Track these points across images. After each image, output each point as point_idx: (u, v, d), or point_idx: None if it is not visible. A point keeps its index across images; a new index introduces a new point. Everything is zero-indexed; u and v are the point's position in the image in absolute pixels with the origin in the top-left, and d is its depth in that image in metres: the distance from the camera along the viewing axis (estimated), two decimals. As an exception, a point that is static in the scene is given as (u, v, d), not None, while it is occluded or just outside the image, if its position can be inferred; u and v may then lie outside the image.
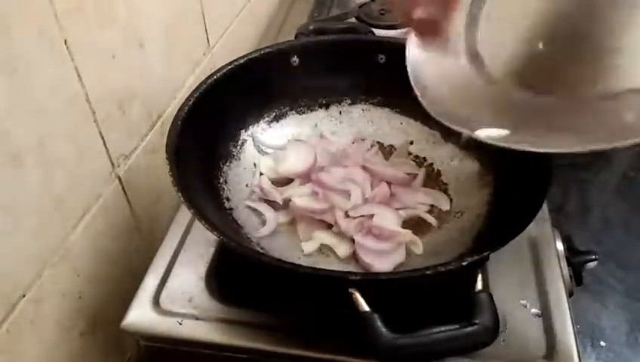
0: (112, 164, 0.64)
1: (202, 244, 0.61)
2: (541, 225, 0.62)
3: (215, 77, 0.63)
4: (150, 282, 0.57)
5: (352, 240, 0.58)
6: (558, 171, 0.52)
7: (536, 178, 0.52)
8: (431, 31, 0.46)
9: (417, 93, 0.47)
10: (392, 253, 0.57)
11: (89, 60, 0.57)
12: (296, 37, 0.83)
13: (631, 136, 0.36)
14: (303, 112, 0.74)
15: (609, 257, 1.34)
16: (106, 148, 0.62)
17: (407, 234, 0.59)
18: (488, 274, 0.56)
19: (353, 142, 0.71)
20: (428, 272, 0.44)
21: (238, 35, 0.99)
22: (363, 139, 0.72)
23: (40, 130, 0.51)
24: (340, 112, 0.75)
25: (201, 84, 0.62)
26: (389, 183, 0.64)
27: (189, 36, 0.80)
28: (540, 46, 0.45)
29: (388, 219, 0.59)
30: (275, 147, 0.69)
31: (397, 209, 0.62)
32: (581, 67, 0.43)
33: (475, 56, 0.47)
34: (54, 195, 0.54)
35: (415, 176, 0.66)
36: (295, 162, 0.65)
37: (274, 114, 0.72)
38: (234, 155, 0.68)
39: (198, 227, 0.59)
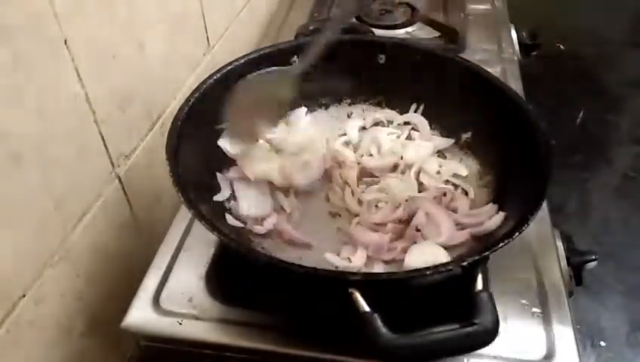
0: (112, 164, 0.64)
1: (202, 244, 0.61)
2: (541, 225, 0.62)
3: (215, 77, 0.63)
4: (150, 282, 0.57)
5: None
6: (558, 171, 0.52)
7: (536, 178, 0.52)
8: None
9: None
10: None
11: (89, 60, 0.57)
12: (296, 37, 0.83)
13: None
14: (303, 112, 0.74)
15: (609, 257, 1.35)
16: (106, 148, 0.62)
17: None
18: (489, 274, 0.56)
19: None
20: (428, 272, 0.44)
21: (238, 35, 0.99)
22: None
23: (40, 130, 0.51)
24: (341, 113, 0.75)
25: (201, 85, 0.62)
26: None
27: (189, 36, 0.80)
28: None
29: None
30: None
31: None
32: None
33: None
34: (54, 195, 0.54)
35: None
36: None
37: (274, 114, 0.72)
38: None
39: (199, 227, 0.59)
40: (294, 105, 0.73)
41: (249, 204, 0.62)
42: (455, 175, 0.66)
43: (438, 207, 0.61)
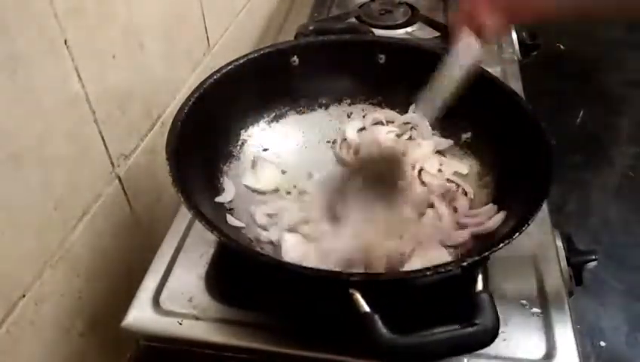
0: (112, 164, 0.64)
1: (202, 244, 0.61)
2: (541, 225, 0.62)
3: (215, 77, 0.63)
4: (150, 282, 0.57)
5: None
6: (558, 172, 0.52)
7: (537, 178, 0.52)
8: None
9: None
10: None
11: (89, 60, 0.57)
12: (296, 37, 0.83)
13: None
14: (303, 112, 0.74)
15: (609, 257, 1.34)
16: (106, 148, 0.62)
17: None
18: (489, 274, 0.56)
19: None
20: (428, 273, 0.44)
21: (238, 35, 0.99)
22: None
23: (40, 130, 0.51)
24: (340, 112, 0.75)
25: (201, 84, 0.62)
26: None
27: (189, 36, 0.80)
28: None
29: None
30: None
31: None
32: None
33: None
34: (54, 195, 0.54)
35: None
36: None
37: (274, 114, 0.72)
38: (234, 155, 0.68)
39: (198, 227, 0.59)
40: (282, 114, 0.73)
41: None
42: (456, 173, 0.66)
43: (442, 203, 0.61)
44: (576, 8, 0.40)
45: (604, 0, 0.40)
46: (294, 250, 0.56)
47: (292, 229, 0.59)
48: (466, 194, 0.64)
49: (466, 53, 0.49)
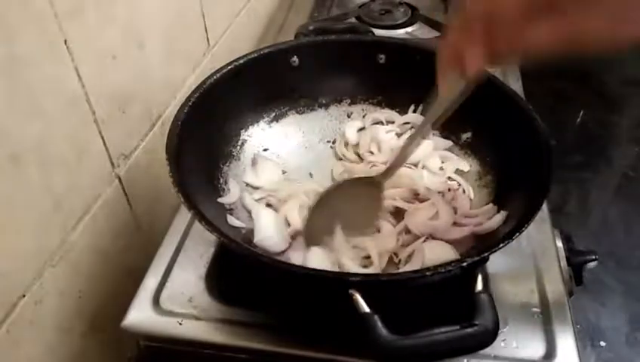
0: (112, 164, 0.64)
1: (202, 244, 0.61)
2: (541, 225, 0.62)
3: (215, 77, 0.63)
4: (150, 282, 0.57)
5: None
6: (558, 171, 0.52)
7: (537, 178, 0.52)
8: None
9: None
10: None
11: (89, 60, 0.57)
12: (296, 37, 0.83)
13: None
14: (303, 112, 0.74)
15: (609, 257, 1.34)
16: (106, 148, 0.62)
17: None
18: (489, 274, 0.56)
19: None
20: (428, 273, 0.44)
21: (238, 35, 0.99)
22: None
23: (40, 130, 0.51)
24: (340, 112, 0.75)
25: (200, 85, 0.62)
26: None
27: (189, 36, 0.80)
28: None
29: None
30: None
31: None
32: None
33: None
34: (54, 195, 0.54)
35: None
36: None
37: (274, 114, 0.72)
38: (234, 155, 0.68)
39: (198, 227, 0.59)
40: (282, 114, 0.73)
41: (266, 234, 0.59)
42: (458, 171, 0.66)
43: (442, 200, 0.62)
44: (571, 41, 0.37)
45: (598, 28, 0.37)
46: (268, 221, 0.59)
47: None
48: (464, 192, 0.64)
49: (450, 89, 0.48)
